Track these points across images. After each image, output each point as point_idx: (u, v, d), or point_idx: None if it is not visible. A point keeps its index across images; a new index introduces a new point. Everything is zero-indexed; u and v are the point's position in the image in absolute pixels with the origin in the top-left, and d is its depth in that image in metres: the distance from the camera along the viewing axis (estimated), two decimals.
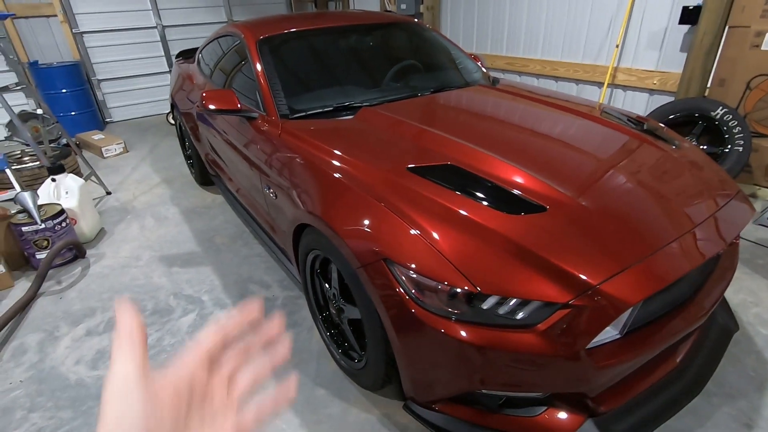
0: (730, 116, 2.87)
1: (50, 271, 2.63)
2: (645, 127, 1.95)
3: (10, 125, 4.26)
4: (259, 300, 0.41)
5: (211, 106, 2.03)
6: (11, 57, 3.40)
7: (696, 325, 1.34)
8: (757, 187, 3.06)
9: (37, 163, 3.66)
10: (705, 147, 3.02)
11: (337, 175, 1.56)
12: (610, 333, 1.22)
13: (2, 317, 2.13)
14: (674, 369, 1.42)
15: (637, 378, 1.36)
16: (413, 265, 1.21)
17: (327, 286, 1.74)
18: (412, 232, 1.26)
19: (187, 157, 4.00)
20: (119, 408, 0.33)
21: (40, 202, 2.66)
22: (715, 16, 2.94)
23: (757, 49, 2.80)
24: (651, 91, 3.60)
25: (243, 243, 2.84)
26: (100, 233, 3.08)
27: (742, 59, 2.88)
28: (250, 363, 0.41)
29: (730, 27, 2.92)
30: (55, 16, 5.31)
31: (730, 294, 2.14)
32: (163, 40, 6.10)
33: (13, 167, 3.19)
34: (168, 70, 6.23)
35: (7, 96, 3.14)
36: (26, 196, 2.55)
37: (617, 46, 3.64)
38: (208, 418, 0.37)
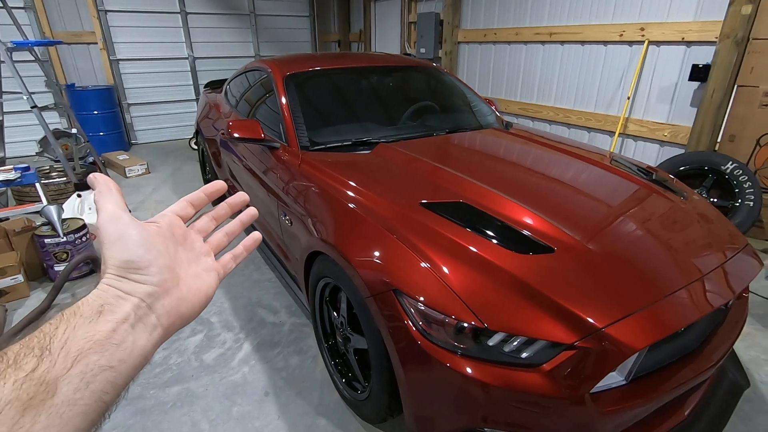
0: (741, 171, 2.91)
1: (66, 284, 2.69)
2: (654, 177, 2.00)
3: (42, 141, 4.47)
4: (222, 182, 0.52)
5: (237, 134, 2.14)
6: (52, 80, 3.63)
7: (704, 376, 1.33)
8: None
9: (64, 178, 3.81)
10: (715, 200, 3.04)
11: (352, 206, 1.62)
12: (615, 378, 1.22)
13: (15, 326, 2.18)
14: (682, 422, 1.40)
15: (643, 428, 1.33)
16: (422, 298, 1.24)
17: (335, 314, 1.77)
18: (423, 265, 1.30)
19: (207, 182, 4.13)
20: (115, 231, 0.39)
21: (64, 216, 2.76)
22: (724, 75, 3.04)
23: (766, 108, 2.87)
24: (662, 143, 3.68)
25: (255, 268, 2.89)
26: None
27: (751, 117, 2.96)
28: (221, 224, 0.52)
29: (739, 86, 3.01)
30: (96, 43, 5.67)
31: (741, 350, 2.10)
32: (193, 71, 6.43)
33: (42, 181, 3.33)
34: (195, 98, 6.52)
35: (43, 114, 3.32)
36: (52, 210, 2.66)
37: (629, 98, 3.75)
38: (193, 257, 0.46)
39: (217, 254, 0.50)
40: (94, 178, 0.43)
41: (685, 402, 1.44)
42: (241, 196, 0.52)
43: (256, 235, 0.54)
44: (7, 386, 0.29)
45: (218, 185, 0.51)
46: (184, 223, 0.47)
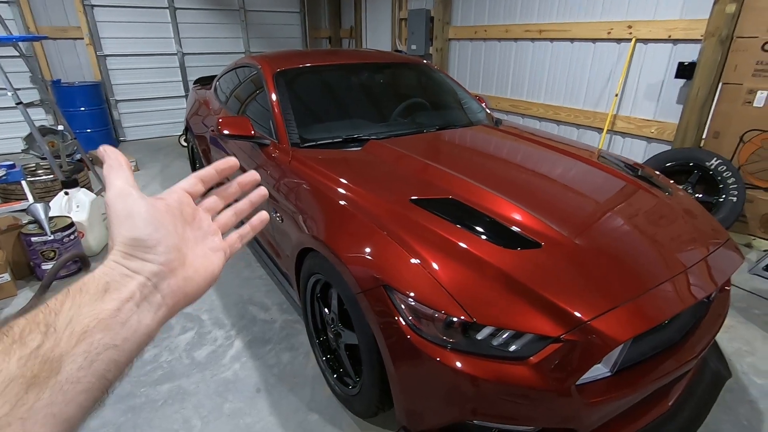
0: (725, 167, 2.97)
1: (54, 283, 2.66)
2: (640, 173, 2.03)
3: (28, 139, 4.40)
4: (234, 159, 0.50)
5: (227, 131, 2.13)
6: (37, 75, 3.57)
7: (686, 367, 1.36)
8: (753, 238, 3.12)
9: (51, 176, 3.76)
10: (700, 196, 3.10)
11: (342, 203, 1.63)
12: (601, 370, 1.24)
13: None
14: (666, 412, 1.43)
15: (628, 419, 1.36)
16: (412, 293, 1.25)
17: (326, 310, 1.78)
18: (413, 261, 1.31)
19: None
20: (123, 207, 0.39)
21: (51, 214, 2.73)
22: (709, 73, 3.09)
23: (750, 105, 2.93)
24: (649, 139, 3.73)
25: (245, 265, 2.89)
26: (106, 248, 3.13)
27: (735, 114, 3.01)
28: (231, 204, 0.50)
29: (723, 83, 3.07)
30: (82, 39, 5.58)
31: (724, 342, 2.15)
32: (182, 67, 6.36)
33: (28, 179, 3.28)
34: (184, 94, 6.46)
35: (29, 111, 3.27)
36: (38, 208, 2.62)
37: (616, 95, 3.80)
38: (201, 236, 0.45)
39: (224, 233, 0.49)
40: (104, 150, 0.42)
41: (669, 392, 1.47)
42: (252, 176, 0.51)
43: (263, 215, 0.52)
44: (12, 362, 0.29)
45: (231, 162, 0.49)
46: (194, 201, 0.46)
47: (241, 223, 0.52)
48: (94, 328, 0.33)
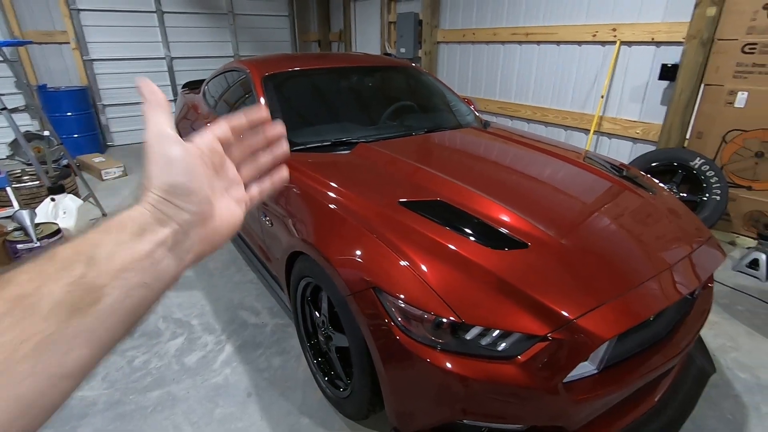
0: (708, 167, 3.03)
1: None
2: (625, 173, 2.07)
3: (13, 144, 4.35)
4: (265, 110, 0.49)
5: None
6: (22, 80, 3.53)
7: (671, 363, 1.39)
8: (736, 235, 3.18)
9: (37, 182, 3.71)
10: (685, 195, 3.16)
11: (332, 206, 1.63)
12: (587, 368, 1.26)
13: None
14: (652, 408, 1.46)
15: (616, 415, 1.39)
16: (401, 295, 1.26)
17: (317, 313, 1.78)
18: (402, 263, 1.32)
19: None
20: (161, 150, 0.39)
21: (37, 220, 2.70)
22: (692, 74, 3.16)
23: (731, 106, 2.99)
24: (634, 140, 3.79)
25: (236, 269, 2.87)
26: None
27: (717, 115, 3.08)
28: (254, 157, 0.49)
29: (705, 85, 3.13)
30: (68, 43, 5.52)
31: (709, 338, 2.19)
32: (170, 71, 6.32)
33: (13, 185, 3.24)
34: (173, 99, 6.41)
35: (14, 116, 3.23)
36: (24, 214, 2.59)
37: (602, 97, 3.86)
38: (226, 186, 0.46)
39: (246, 185, 0.49)
40: (143, 84, 0.41)
41: (656, 389, 1.50)
42: (279, 129, 0.50)
43: (284, 172, 0.51)
44: (57, 287, 0.31)
45: (262, 113, 0.48)
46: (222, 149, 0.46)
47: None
48: (129, 266, 0.35)
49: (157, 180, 0.38)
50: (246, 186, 0.48)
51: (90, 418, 1.75)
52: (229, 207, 0.45)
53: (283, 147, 0.50)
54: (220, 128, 0.46)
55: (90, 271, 0.33)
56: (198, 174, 0.41)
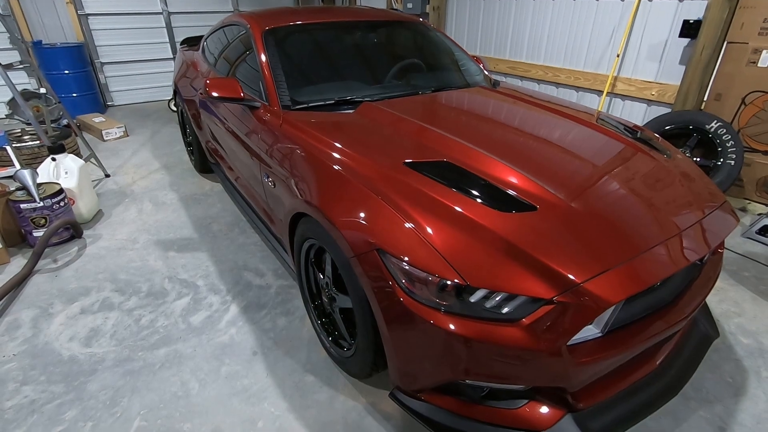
0: (724, 130, 2.92)
1: (47, 250, 2.65)
2: (639, 135, 1.99)
3: (11, 103, 4.27)
4: None
5: (215, 94, 2.06)
6: (16, 35, 3.40)
7: (675, 329, 1.38)
8: (748, 201, 3.12)
9: (37, 142, 3.66)
10: (698, 159, 3.07)
11: (335, 167, 1.59)
12: (592, 331, 1.26)
13: None
14: (653, 371, 1.47)
15: (616, 377, 1.40)
16: (406, 257, 1.24)
17: (321, 275, 1.78)
18: (406, 225, 1.29)
19: (188, 144, 4.01)
20: None
21: (39, 180, 2.68)
22: (715, 31, 2.99)
23: (754, 65, 2.85)
24: (649, 102, 3.66)
25: (240, 231, 2.87)
26: (98, 215, 3.10)
27: (738, 75, 2.94)
28: None
29: (728, 42, 2.97)
30: None
31: (714, 303, 2.19)
32: (168, 27, 6.10)
33: (14, 145, 3.20)
34: (172, 56, 6.23)
35: (9, 74, 3.14)
36: (26, 174, 2.57)
37: (618, 56, 3.69)
38: None
39: None
40: None
41: (658, 352, 1.51)
42: None
43: None
44: None
45: None
46: None
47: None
48: None
49: None
50: None
51: (99, 374, 1.79)
52: None
53: None
54: None
55: None
56: None
